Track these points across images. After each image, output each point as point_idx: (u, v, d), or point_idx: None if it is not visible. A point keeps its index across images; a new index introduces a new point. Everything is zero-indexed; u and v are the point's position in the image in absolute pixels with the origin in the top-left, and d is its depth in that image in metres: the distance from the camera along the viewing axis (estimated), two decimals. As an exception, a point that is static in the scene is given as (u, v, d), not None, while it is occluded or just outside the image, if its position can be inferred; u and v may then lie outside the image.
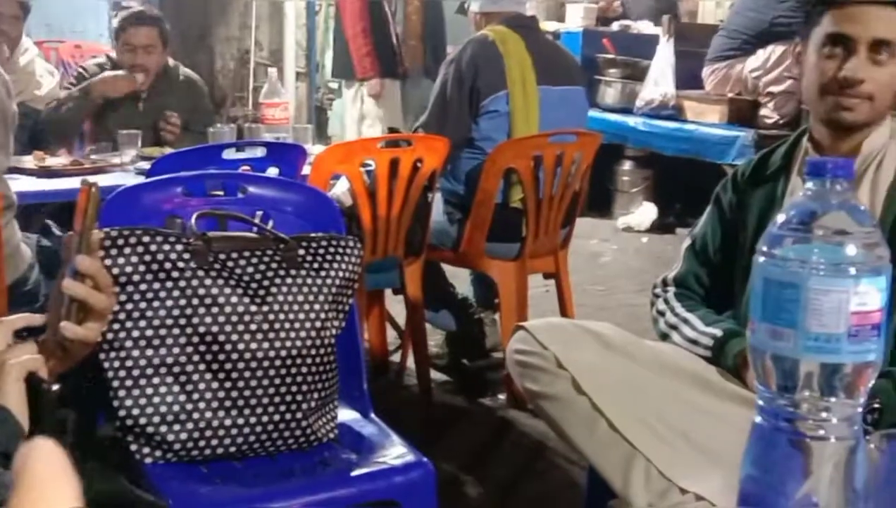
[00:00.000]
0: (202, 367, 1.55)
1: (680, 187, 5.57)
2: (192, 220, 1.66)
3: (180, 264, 1.56)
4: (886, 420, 1.45)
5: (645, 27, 6.15)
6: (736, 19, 5.18)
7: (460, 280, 3.53)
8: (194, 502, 1.50)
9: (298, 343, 1.60)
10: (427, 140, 2.91)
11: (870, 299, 0.90)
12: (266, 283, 1.60)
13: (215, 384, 1.56)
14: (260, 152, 2.57)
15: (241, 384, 1.57)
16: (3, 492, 0.74)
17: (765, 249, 0.95)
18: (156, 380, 1.54)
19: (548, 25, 5.70)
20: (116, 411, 1.52)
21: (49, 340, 1.11)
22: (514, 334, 1.69)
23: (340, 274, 1.67)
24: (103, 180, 2.37)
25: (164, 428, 1.54)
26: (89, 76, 3.45)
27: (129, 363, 1.53)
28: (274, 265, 1.62)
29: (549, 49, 3.37)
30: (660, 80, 5.39)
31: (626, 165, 5.91)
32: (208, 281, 1.57)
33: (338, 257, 1.68)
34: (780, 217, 0.96)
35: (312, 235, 1.70)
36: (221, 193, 1.84)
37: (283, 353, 1.59)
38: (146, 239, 1.54)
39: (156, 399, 1.53)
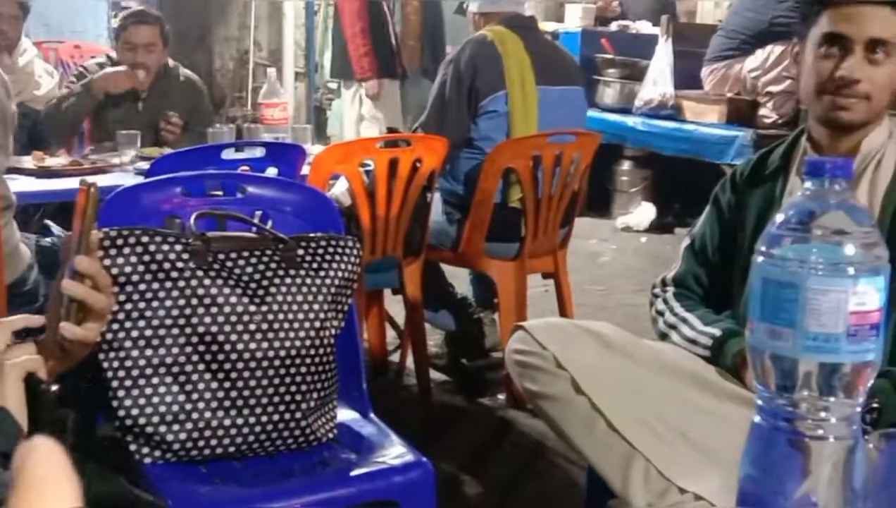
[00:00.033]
0: (201, 367, 1.55)
1: (679, 187, 5.57)
2: (192, 220, 1.66)
3: (179, 265, 1.56)
4: (885, 420, 1.45)
5: (643, 27, 6.15)
6: (734, 19, 5.18)
7: (459, 280, 3.53)
8: (194, 502, 1.50)
9: (298, 343, 1.60)
10: (426, 140, 2.91)
11: (868, 298, 0.90)
12: (265, 283, 1.60)
13: (214, 384, 1.56)
14: (259, 152, 2.57)
15: (240, 384, 1.57)
16: (3, 492, 0.74)
17: (763, 248, 0.95)
18: (155, 380, 1.54)
19: (546, 25, 5.70)
20: (116, 411, 1.52)
21: (48, 340, 1.11)
22: (514, 333, 1.69)
23: (339, 274, 1.67)
24: (102, 181, 2.38)
25: (163, 428, 1.54)
26: (90, 75, 3.45)
27: (128, 364, 1.53)
28: (273, 265, 1.62)
29: (548, 49, 3.37)
30: (658, 80, 5.39)
31: (625, 165, 5.91)
32: (207, 281, 1.57)
33: (337, 257, 1.68)
34: (779, 217, 0.96)
35: (311, 235, 1.70)
36: (220, 193, 1.84)
37: (283, 353, 1.59)
38: (145, 239, 1.54)
39: (155, 399, 1.53)
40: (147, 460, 1.54)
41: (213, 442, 1.56)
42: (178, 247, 1.56)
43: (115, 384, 1.52)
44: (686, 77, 5.37)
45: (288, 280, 1.62)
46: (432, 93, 3.20)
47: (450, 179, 3.18)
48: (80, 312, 1.10)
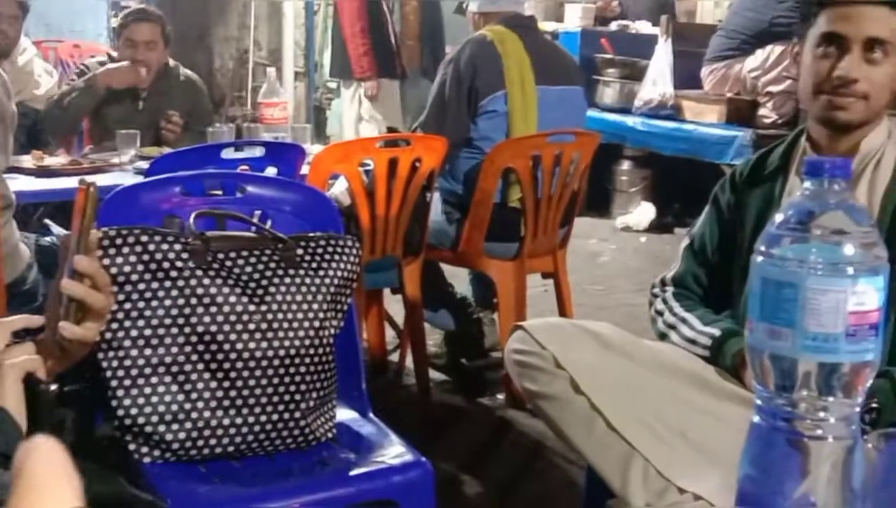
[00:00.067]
0: (201, 366, 1.55)
1: (678, 187, 5.57)
2: (191, 219, 1.66)
3: (179, 264, 1.56)
4: (884, 420, 1.45)
5: (643, 27, 6.15)
6: (734, 19, 5.18)
7: (459, 280, 3.53)
8: (193, 501, 1.50)
9: (297, 343, 1.60)
10: (425, 140, 2.91)
11: (868, 298, 0.90)
12: (265, 282, 1.60)
13: (214, 384, 1.56)
14: (258, 152, 2.57)
15: (239, 383, 1.57)
16: (3, 492, 0.74)
17: (763, 248, 0.95)
18: (154, 380, 1.54)
19: (546, 25, 5.70)
20: (115, 410, 1.52)
21: (47, 340, 1.11)
22: (513, 333, 1.69)
23: (339, 274, 1.67)
24: (102, 180, 2.37)
25: (162, 428, 1.54)
26: (91, 72, 3.45)
27: (127, 363, 1.53)
28: (272, 265, 1.62)
29: (548, 49, 3.37)
30: (658, 79, 5.39)
31: (625, 165, 5.91)
32: (207, 281, 1.57)
33: (336, 257, 1.68)
34: (778, 217, 0.96)
35: (311, 234, 1.70)
36: (220, 192, 1.84)
37: (282, 352, 1.59)
38: (144, 239, 1.54)
39: (154, 399, 1.53)
40: (146, 459, 1.54)
41: (213, 442, 1.56)
42: (178, 246, 1.56)
43: (114, 383, 1.52)
44: (686, 77, 5.37)
45: (287, 280, 1.62)
46: (432, 93, 3.20)
47: (449, 179, 3.18)
48: (80, 311, 1.10)
